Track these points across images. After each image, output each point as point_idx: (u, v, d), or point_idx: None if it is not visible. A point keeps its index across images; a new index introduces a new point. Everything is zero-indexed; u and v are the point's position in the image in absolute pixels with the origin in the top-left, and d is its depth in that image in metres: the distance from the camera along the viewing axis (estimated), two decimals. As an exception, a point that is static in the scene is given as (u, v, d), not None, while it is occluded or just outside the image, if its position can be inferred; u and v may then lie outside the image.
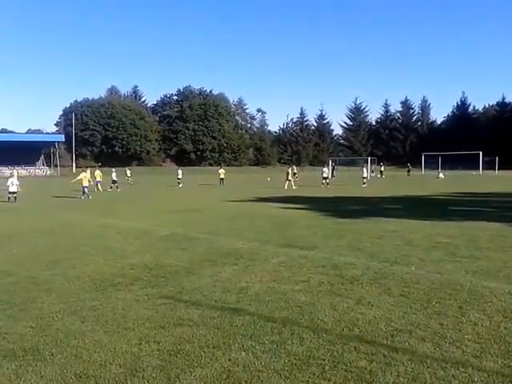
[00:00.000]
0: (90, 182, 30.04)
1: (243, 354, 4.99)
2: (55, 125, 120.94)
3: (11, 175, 29.55)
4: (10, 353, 5.12)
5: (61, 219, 17.85)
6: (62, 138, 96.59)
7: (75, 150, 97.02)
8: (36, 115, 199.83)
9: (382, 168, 67.55)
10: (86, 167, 37.43)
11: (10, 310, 6.60)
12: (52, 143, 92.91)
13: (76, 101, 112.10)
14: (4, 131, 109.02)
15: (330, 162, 67.39)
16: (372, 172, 65.17)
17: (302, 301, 6.75)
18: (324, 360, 4.79)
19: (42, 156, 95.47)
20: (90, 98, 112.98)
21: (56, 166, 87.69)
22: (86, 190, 28.74)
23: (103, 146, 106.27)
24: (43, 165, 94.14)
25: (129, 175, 49.78)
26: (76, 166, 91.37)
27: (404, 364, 4.67)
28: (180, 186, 42.24)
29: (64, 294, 7.33)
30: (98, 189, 34.83)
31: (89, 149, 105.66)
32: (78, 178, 29.76)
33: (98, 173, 36.32)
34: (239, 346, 5.19)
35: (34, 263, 9.70)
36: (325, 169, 41.13)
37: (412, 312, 6.22)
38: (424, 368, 4.58)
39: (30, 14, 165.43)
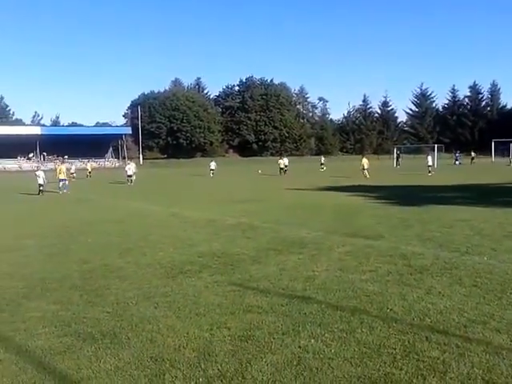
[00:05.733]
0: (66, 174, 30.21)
1: (312, 341, 5.02)
2: (123, 116, 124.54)
3: (38, 169, 30.87)
4: (89, 336, 5.40)
5: (129, 209, 18.47)
6: (129, 130, 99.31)
7: (142, 143, 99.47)
8: (104, 108, 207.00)
9: (458, 157, 65.55)
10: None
11: (87, 295, 6.93)
12: (120, 136, 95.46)
13: (144, 93, 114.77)
14: (74, 125, 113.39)
15: (395, 151, 65.96)
16: (456, 160, 63.34)
17: (371, 290, 6.71)
18: (395, 349, 4.76)
19: (111, 148, 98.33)
20: (156, 91, 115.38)
21: (124, 157, 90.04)
22: (66, 182, 29.50)
23: (168, 138, 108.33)
24: (112, 157, 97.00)
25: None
26: (143, 158, 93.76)
27: (478, 355, 4.57)
28: (211, 175, 44.30)
29: (137, 281, 7.62)
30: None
31: (155, 141, 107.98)
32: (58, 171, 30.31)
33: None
34: (308, 333, 5.24)
35: (107, 251, 10.12)
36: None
37: (485, 303, 6.06)
38: (500, 359, 4.47)
39: (96, 9, 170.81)
